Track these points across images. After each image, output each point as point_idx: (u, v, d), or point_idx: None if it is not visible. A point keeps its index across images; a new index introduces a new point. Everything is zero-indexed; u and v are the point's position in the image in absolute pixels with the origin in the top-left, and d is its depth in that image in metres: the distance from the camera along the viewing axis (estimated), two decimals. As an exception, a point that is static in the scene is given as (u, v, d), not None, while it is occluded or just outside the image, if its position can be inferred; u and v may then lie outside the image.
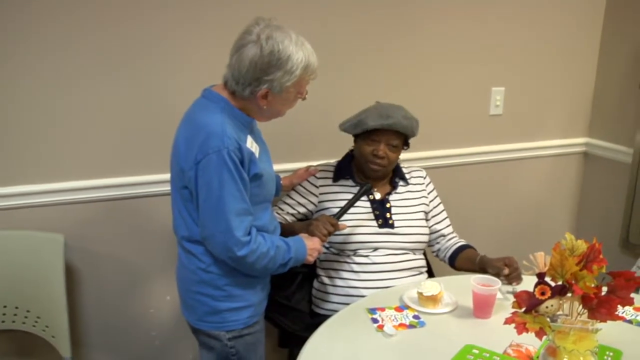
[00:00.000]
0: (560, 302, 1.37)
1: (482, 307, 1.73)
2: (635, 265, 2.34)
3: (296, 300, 2.12)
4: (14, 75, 1.87)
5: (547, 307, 1.36)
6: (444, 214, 2.19)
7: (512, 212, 2.89)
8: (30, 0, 1.83)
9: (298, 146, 2.32)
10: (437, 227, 2.16)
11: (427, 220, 2.15)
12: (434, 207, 2.17)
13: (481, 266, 1.96)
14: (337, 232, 1.90)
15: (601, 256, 1.37)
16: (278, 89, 1.57)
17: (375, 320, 1.71)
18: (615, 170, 2.82)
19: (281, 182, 2.11)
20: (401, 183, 2.13)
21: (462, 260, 2.09)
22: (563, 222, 3.06)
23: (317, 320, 1.92)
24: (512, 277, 1.88)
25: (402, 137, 2.02)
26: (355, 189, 2.03)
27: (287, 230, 1.93)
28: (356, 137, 2.06)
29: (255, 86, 1.56)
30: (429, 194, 2.17)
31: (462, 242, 2.15)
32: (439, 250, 2.17)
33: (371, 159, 2.01)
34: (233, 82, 1.58)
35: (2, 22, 1.82)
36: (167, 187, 1.81)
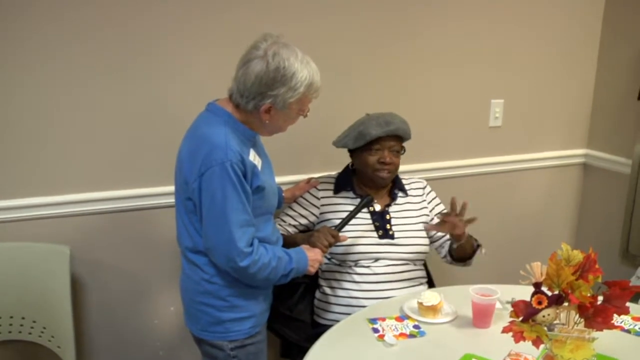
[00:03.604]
0: (557, 311, 1.39)
1: (481, 316, 1.75)
2: (635, 276, 2.36)
3: (298, 310, 2.14)
4: (17, 87, 1.90)
5: (544, 316, 1.38)
6: None
7: (512, 224, 2.90)
8: (30, 6, 1.86)
9: (299, 158, 2.35)
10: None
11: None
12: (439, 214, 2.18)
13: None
14: (338, 244, 1.93)
15: (597, 266, 1.39)
16: (281, 105, 1.61)
17: (376, 330, 1.73)
18: (615, 181, 2.84)
19: (283, 194, 2.14)
20: (400, 194, 2.15)
21: (457, 249, 2.09)
22: (563, 233, 3.07)
23: (318, 330, 1.94)
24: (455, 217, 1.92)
25: (401, 142, 2.06)
26: (356, 201, 2.06)
27: (288, 242, 1.95)
28: (355, 150, 2.08)
29: (259, 100, 1.60)
30: (429, 203, 2.19)
31: None
32: (446, 254, 2.18)
33: (379, 167, 2.03)
34: (238, 95, 1.62)
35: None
36: (171, 199, 1.84)
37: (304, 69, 1.59)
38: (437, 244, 2.19)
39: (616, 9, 2.78)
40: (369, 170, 2.05)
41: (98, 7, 1.93)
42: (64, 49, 1.93)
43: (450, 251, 2.14)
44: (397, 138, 2.03)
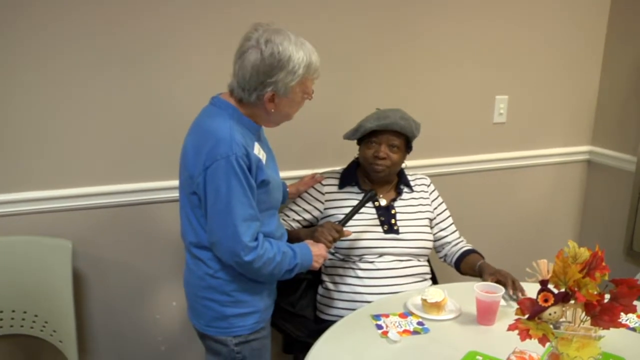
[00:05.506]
0: (563, 309, 1.38)
1: (485, 313, 1.74)
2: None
3: (300, 306, 2.13)
4: (19, 81, 1.89)
5: (550, 314, 1.37)
6: (450, 220, 2.21)
7: (515, 220, 2.90)
8: (32, 5, 1.85)
9: (304, 154, 2.34)
10: (442, 233, 2.18)
11: (432, 227, 2.16)
12: (439, 214, 2.19)
13: (480, 273, 2.00)
14: (342, 239, 1.92)
15: (604, 263, 1.38)
16: (283, 91, 1.59)
17: (379, 327, 1.72)
18: (619, 178, 2.83)
19: (287, 189, 2.13)
20: (406, 190, 2.15)
21: (465, 266, 2.11)
22: (566, 230, 3.06)
23: (321, 326, 1.94)
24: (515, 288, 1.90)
25: (402, 138, 2.04)
26: (361, 196, 2.05)
27: (292, 237, 1.95)
28: (359, 144, 2.09)
29: (261, 90, 1.59)
30: (432, 201, 2.19)
31: (467, 247, 2.16)
32: (445, 255, 2.20)
33: (373, 161, 2.03)
34: (239, 89, 1.61)
35: (2, 27, 1.84)
36: (174, 194, 1.83)
37: (299, 51, 1.57)
38: (441, 252, 2.20)
39: (623, 5, 2.76)
40: (366, 163, 2.06)
41: (99, 4, 1.92)
42: (66, 45, 1.92)
43: (457, 262, 2.15)
44: (396, 133, 2.02)
